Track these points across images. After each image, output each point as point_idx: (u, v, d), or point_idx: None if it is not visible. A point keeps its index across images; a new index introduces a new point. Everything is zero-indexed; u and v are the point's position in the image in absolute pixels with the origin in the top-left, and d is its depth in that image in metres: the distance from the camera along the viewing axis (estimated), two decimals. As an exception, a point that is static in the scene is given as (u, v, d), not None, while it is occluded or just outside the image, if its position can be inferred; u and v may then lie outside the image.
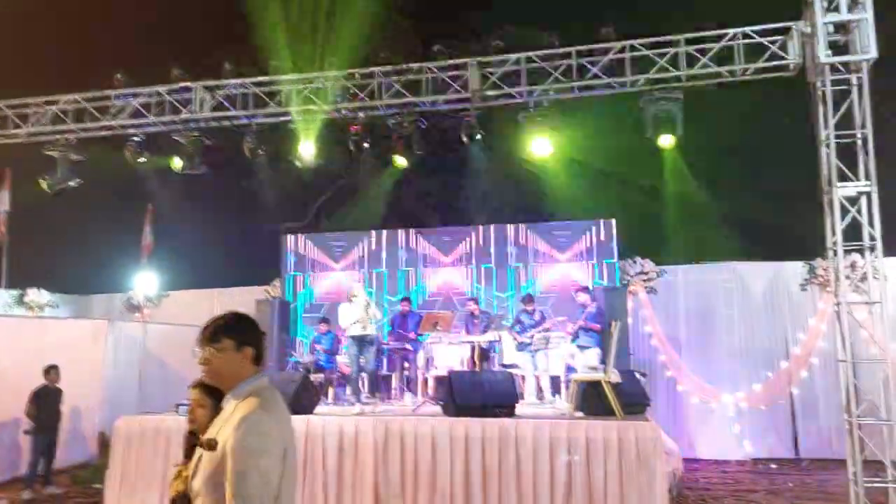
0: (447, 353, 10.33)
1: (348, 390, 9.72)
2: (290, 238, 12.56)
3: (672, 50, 8.39)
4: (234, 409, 2.39)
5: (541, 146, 9.92)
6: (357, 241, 12.38)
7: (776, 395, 10.68)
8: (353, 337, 9.05)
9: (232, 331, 2.48)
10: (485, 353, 9.90)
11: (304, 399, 7.75)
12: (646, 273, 11.38)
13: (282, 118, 10.39)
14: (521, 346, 9.88)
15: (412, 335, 10.38)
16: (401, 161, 10.51)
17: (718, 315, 11.16)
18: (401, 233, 12.31)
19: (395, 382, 10.34)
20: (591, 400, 7.59)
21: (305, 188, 14.41)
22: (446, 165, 14.22)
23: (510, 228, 11.98)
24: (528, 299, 10.11)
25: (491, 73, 9.60)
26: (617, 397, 7.31)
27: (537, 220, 12.23)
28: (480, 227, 12.11)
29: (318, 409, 8.25)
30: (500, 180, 14.51)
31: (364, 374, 9.46)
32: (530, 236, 11.82)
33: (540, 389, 9.75)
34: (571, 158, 12.18)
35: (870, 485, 6.86)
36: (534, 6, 13.79)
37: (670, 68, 8.60)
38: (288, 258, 12.45)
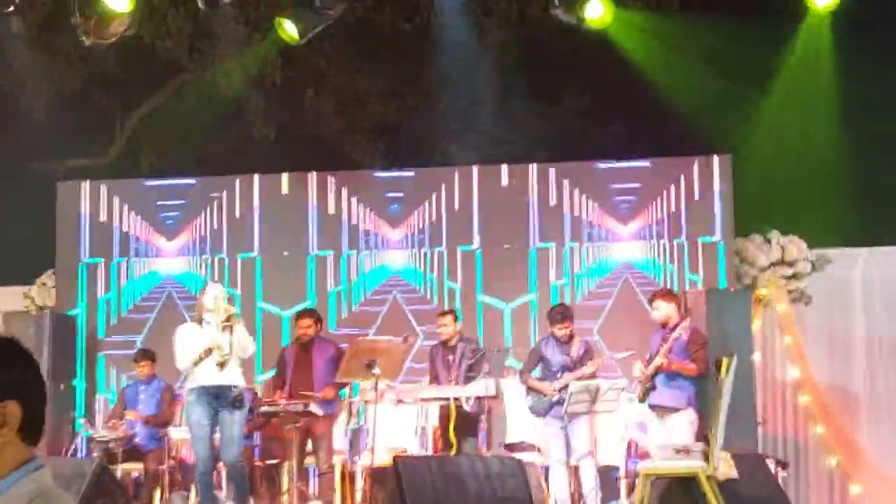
0: (393, 422, 10.26)
1: (193, 497, 9.60)
2: (77, 189, 12.47)
3: None
4: None
5: (584, 11, 9.78)
6: (210, 195, 12.34)
7: None
8: (201, 389, 8.95)
9: None
10: (469, 422, 9.85)
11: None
12: (790, 263, 11.38)
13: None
14: (544, 408, 9.87)
15: (322, 387, 10.29)
16: (292, 30, 10.33)
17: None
18: (304, 181, 12.27)
19: (286, 480, 10.26)
20: (680, 514, 7.55)
21: (107, 89, 14.24)
22: (392, 47, 14.13)
23: (523, 173, 11.95)
24: (561, 315, 10.07)
25: None
26: (731, 509, 7.29)
27: (575, 159, 12.20)
28: (458, 172, 12.12)
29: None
30: (503, 80, 14.44)
31: (225, 465, 9.35)
32: (562, 189, 11.82)
33: (579, 494, 9.74)
34: (640, 40, 12.16)
35: None
36: None
37: None
38: (71, 230, 12.34)
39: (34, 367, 2.48)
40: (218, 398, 8.88)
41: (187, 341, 9.04)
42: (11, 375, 2.42)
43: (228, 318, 8.98)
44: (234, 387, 8.94)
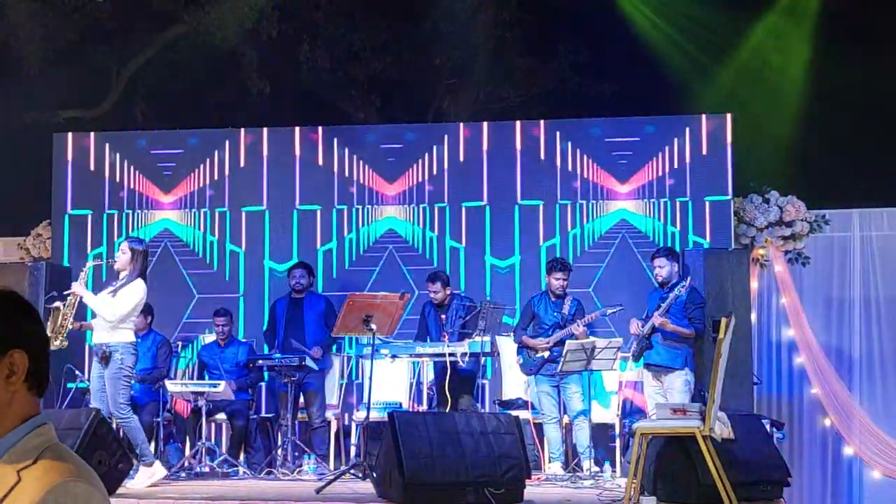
0: (388, 378, 10.29)
1: (188, 449, 9.69)
2: (70, 141, 12.40)
3: None
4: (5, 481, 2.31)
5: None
6: (209, 148, 12.29)
7: None
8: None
9: None
10: (463, 380, 9.86)
11: (96, 467, 7.60)
12: (788, 224, 11.36)
13: None
14: (535, 365, 9.86)
15: (313, 341, 10.36)
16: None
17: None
18: (298, 134, 12.22)
19: (280, 434, 10.29)
20: (675, 474, 7.61)
21: (102, 41, 14.16)
22: (389, 1, 14.08)
23: (519, 131, 11.91)
24: (561, 265, 10.06)
25: None
26: (727, 469, 7.29)
27: (573, 116, 12.13)
28: (460, 128, 12.05)
29: (128, 487, 8.17)
30: (499, 35, 14.38)
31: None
32: (560, 147, 11.78)
33: (573, 452, 9.78)
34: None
35: None
36: None
37: None
38: (67, 182, 12.30)
39: (36, 318, 2.48)
40: (97, 356, 8.86)
41: None
42: (16, 325, 2.42)
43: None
44: (102, 345, 8.85)
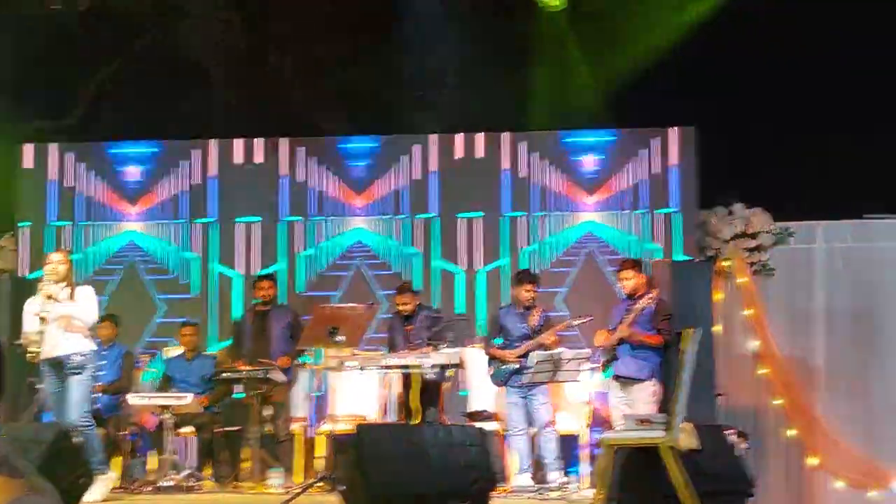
0: (355, 390, 10.23)
1: (150, 461, 9.63)
2: (33, 152, 12.36)
3: None
4: None
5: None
6: (175, 159, 12.28)
7: None
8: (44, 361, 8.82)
9: None
10: (431, 391, 9.84)
11: (57, 482, 7.52)
12: (753, 235, 11.41)
13: None
14: (504, 377, 9.84)
15: (279, 355, 10.32)
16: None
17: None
18: (265, 146, 12.23)
19: (247, 448, 10.20)
20: (641, 485, 7.60)
21: (70, 51, 14.08)
22: (356, 12, 14.05)
23: (486, 143, 11.95)
24: (529, 277, 10.08)
25: None
26: (691, 479, 7.26)
27: (541, 128, 12.22)
28: (432, 140, 12.14)
29: (84, 500, 8.07)
30: (469, 47, 14.38)
31: None
32: (528, 160, 11.84)
33: (539, 463, 9.77)
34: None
35: None
36: None
37: None
38: (30, 194, 12.27)
39: None
40: (65, 367, 8.77)
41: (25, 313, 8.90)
42: None
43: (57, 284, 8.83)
44: (73, 354, 8.77)
